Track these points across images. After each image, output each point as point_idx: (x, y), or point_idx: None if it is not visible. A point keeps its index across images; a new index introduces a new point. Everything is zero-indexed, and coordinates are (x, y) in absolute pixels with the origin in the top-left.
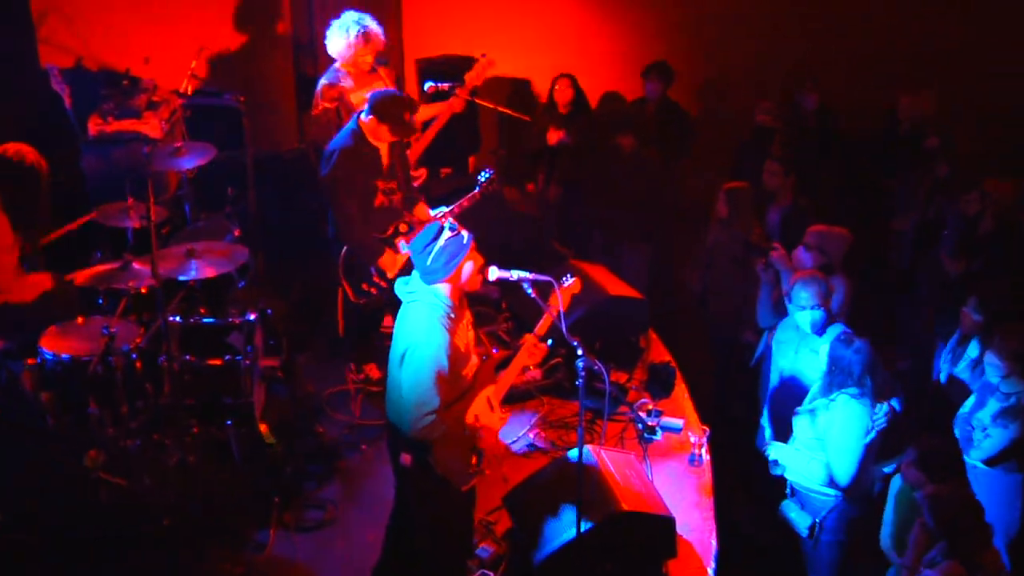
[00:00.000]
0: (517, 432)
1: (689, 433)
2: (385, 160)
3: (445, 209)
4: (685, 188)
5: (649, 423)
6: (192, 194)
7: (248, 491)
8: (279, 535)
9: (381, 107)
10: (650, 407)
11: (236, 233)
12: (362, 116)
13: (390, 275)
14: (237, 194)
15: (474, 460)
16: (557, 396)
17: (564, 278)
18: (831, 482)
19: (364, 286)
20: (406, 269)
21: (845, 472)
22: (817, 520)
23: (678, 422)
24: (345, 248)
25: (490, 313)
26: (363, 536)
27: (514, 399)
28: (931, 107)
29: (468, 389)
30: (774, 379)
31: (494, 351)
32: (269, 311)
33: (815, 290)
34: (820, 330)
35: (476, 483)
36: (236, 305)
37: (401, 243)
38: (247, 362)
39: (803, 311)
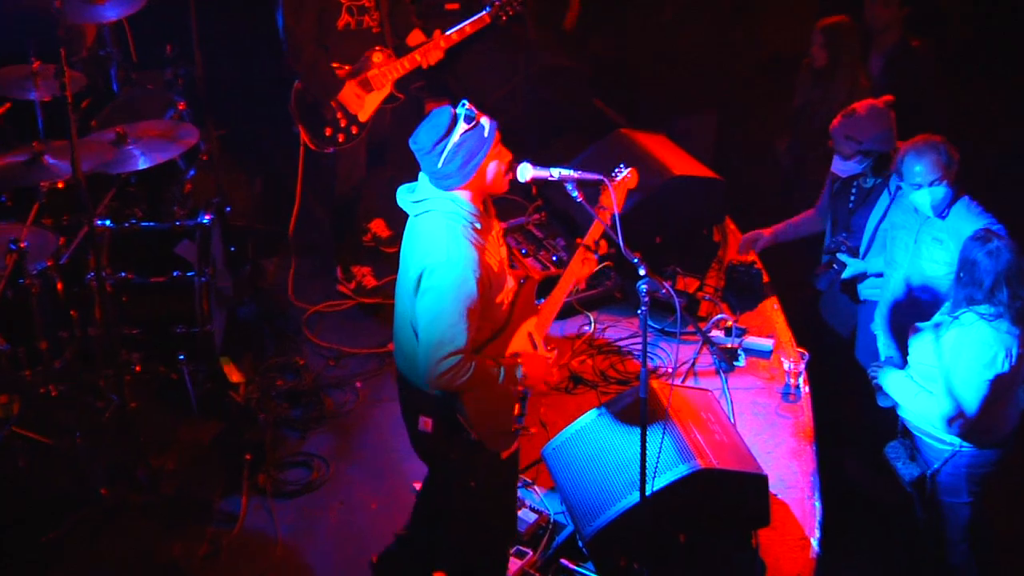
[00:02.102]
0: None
1: (782, 357)
2: None
3: (450, 32)
4: (760, 32)
5: (729, 344)
6: (119, 54)
7: (210, 447)
8: (253, 503)
9: None
10: (729, 323)
11: (180, 107)
12: None
13: (361, 118)
14: (179, 52)
15: (516, 409)
16: (606, 311)
17: (617, 169)
18: (949, 424)
19: (328, 131)
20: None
21: (965, 411)
22: (928, 473)
23: (767, 343)
24: (297, 81)
25: (516, 203)
26: (362, 501)
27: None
28: None
29: (504, 324)
30: (890, 281)
31: (531, 267)
32: (228, 208)
33: (932, 159)
34: (944, 211)
35: (519, 444)
36: (184, 203)
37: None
38: (201, 278)
39: (919, 189)
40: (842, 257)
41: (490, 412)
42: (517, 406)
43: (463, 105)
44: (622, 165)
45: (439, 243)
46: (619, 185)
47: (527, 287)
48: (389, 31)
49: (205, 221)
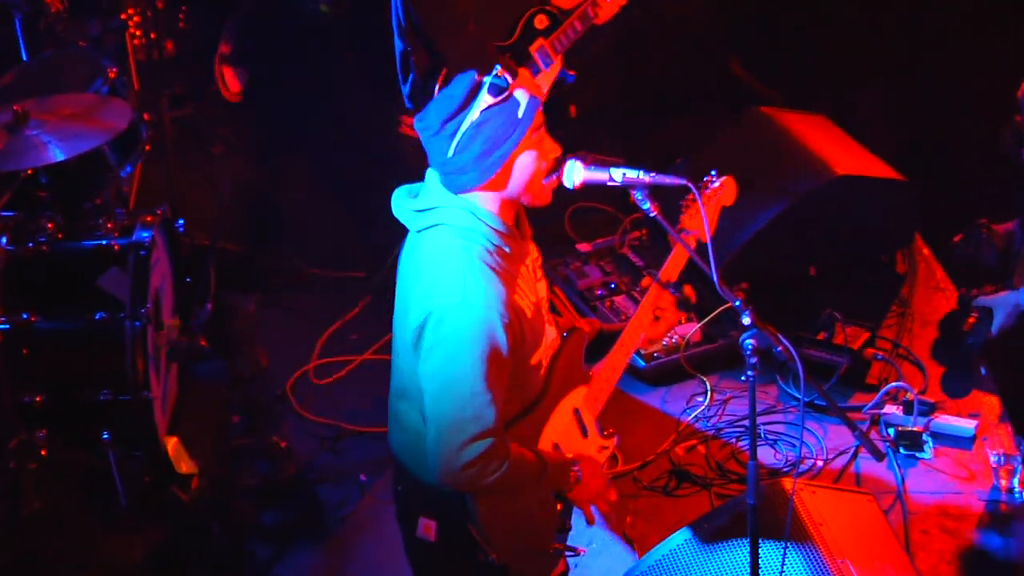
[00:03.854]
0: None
1: (987, 447)
2: None
3: None
4: None
5: (910, 427)
6: (25, 2)
7: (145, 569)
8: None
9: None
10: (911, 395)
11: (111, 74)
12: None
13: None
14: None
15: (556, 519)
16: (729, 375)
17: (707, 177)
18: None
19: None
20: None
21: None
22: None
23: (968, 425)
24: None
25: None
26: None
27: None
28: None
29: (539, 396)
30: None
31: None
32: (180, 222)
33: None
34: None
35: (565, 568)
36: (113, 214)
37: None
38: (136, 322)
39: None
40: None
41: (516, 523)
42: (558, 513)
43: (494, 71)
44: (712, 173)
45: (450, 275)
46: (708, 199)
47: (572, 342)
48: None
49: (144, 239)
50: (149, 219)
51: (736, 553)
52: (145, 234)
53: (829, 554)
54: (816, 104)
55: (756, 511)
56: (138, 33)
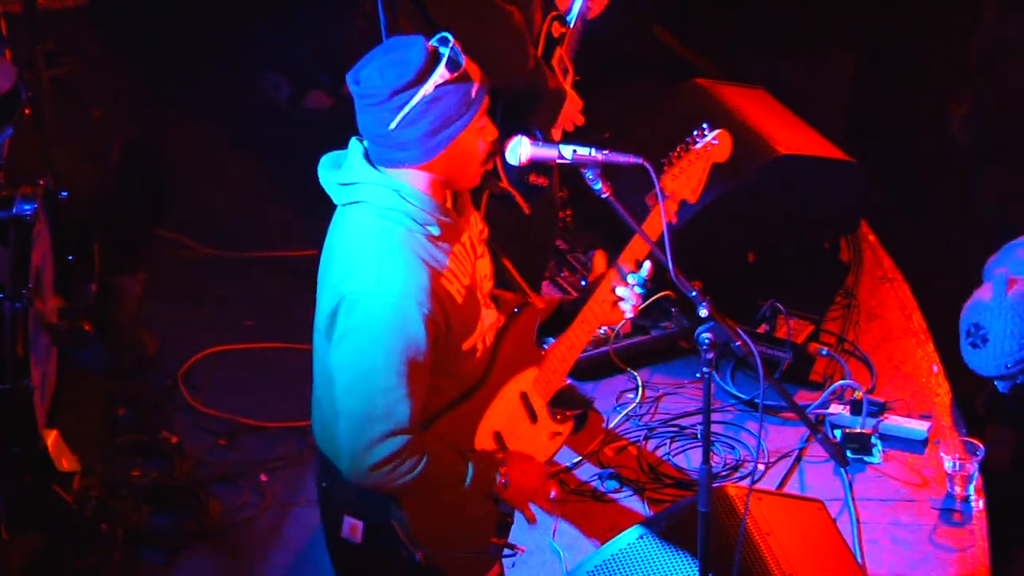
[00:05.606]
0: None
1: (941, 451)
2: None
3: None
4: None
5: (858, 429)
6: None
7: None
8: None
9: None
10: (859, 394)
11: None
12: None
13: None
14: None
15: (491, 515)
16: (663, 369)
17: (696, 131)
18: None
19: (532, 177)
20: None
21: None
22: None
23: (919, 427)
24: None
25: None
26: None
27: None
28: None
29: (480, 381)
30: None
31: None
32: (64, 193)
33: None
34: None
35: (501, 570)
36: None
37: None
38: (16, 303)
39: None
40: None
41: (444, 520)
42: (492, 511)
43: (447, 43)
44: (704, 125)
45: (366, 259)
46: (695, 160)
47: (522, 320)
48: None
49: (25, 213)
50: (30, 190)
51: (683, 558)
52: (27, 207)
53: (778, 567)
54: (752, 75)
55: (706, 517)
56: None
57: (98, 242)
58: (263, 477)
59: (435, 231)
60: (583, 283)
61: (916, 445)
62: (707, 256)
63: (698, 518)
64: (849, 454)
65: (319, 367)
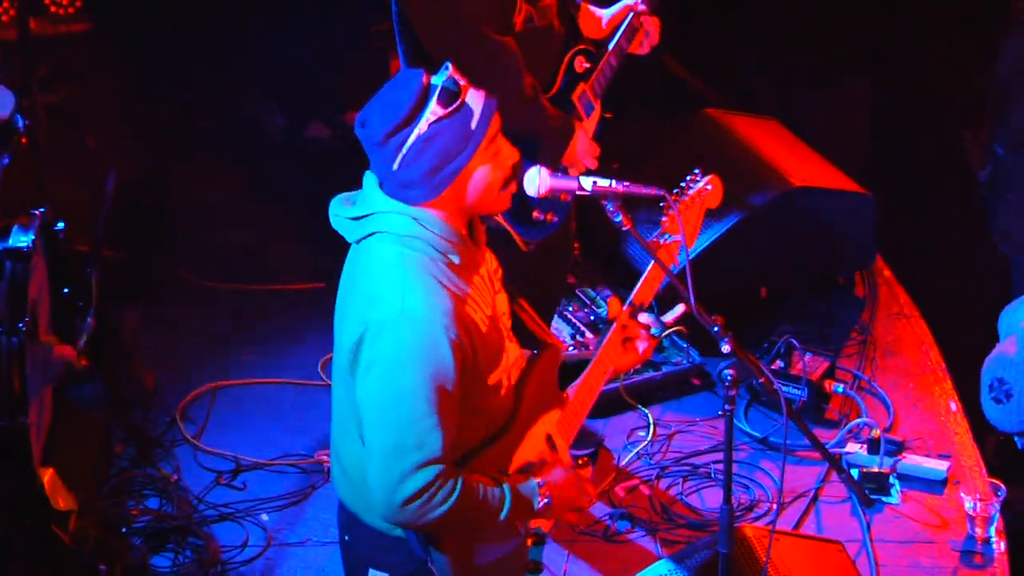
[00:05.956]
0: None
1: (961, 492)
2: None
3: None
4: None
5: (875, 469)
6: None
7: None
8: None
9: None
10: (877, 432)
11: None
12: None
13: (579, 168)
14: None
15: (529, 560)
16: (674, 407)
17: (687, 179)
18: None
19: (535, 214)
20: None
21: None
22: None
23: (939, 467)
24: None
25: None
26: None
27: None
28: None
29: (508, 420)
30: None
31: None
32: (61, 225)
33: None
34: None
35: None
36: None
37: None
38: (12, 338)
39: None
40: None
41: (484, 565)
42: (528, 551)
43: (445, 70)
44: (696, 171)
45: (389, 286)
46: (689, 206)
47: (543, 361)
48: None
49: (22, 245)
50: (26, 221)
51: None
52: (24, 238)
53: None
54: (765, 105)
55: (727, 559)
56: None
57: (96, 275)
58: (264, 517)
59: (455, 259)
60: (591, 318)
61: (935, 485)
62: (719, 290)
63: (719, 560)
64: (868, 491)
65: (340, 411)
